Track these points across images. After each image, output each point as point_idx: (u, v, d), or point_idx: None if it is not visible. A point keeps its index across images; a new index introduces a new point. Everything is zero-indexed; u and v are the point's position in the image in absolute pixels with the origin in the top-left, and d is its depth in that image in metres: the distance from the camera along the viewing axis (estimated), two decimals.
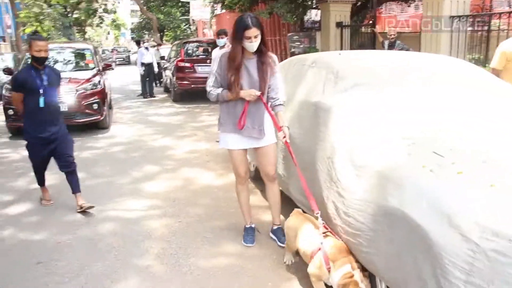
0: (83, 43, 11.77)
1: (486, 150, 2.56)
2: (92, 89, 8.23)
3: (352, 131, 2.98)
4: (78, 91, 7.98)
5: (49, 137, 4.34)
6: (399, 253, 2.36)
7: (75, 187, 4.50)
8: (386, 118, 2.97)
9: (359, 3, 13.43)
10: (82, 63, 9.41)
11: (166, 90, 14.89)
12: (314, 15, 14.82)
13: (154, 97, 14.06)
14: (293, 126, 3.62)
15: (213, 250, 3.63)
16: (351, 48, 11.34)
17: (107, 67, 10.06)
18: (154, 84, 15.19)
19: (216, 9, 23.12)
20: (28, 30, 18.01)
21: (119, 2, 43.90)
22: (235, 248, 3.64)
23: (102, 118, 8.34)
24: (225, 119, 3.49)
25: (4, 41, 24.96)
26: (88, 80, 8.38)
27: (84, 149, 7.09)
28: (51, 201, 4.68)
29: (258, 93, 3.31)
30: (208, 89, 3.49)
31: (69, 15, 37.40)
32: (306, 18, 15.07)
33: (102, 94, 8.45)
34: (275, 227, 3.73)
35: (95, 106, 8.15)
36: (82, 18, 38.45)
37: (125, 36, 59.97)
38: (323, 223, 2.88)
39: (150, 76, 14.25)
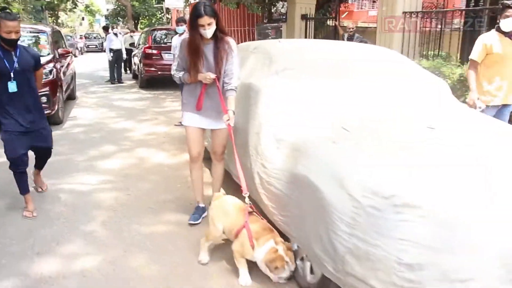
0: (40, 25, 10.18)
1: (388, 129, 2.94)
2: None
3: (277, 109, 3.31)
4: None
5: (25, 126, 3.89)
6: (304, 214, 2.72)
7: (39, 166, 4.44)
8: (308, 98, 3.32)
9: None
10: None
11: (135, 76, 15.01)
12: (281, 7, 15.10)
13: (122, 83, 14.17)
14: (235, 107, 3.92)
15: (155, 219, 3.94)
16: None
17: (66, 53, 9.40)
18: (123, 70, 15.28)
19: None
20: None
21: None
22: (175, 217, 3.96)
23: (52, 112, 7.30)
24: (187, 99, 3.73)
25: None
26: None
27: None
28: (34, 213, 4.00)
29: (213, 76, 3.51)
30: (172, 72, 3.77)
31: None
32: (274, 9, 15.34)
33: (53, 85, 7.43)
34: None
35: (44, 99, 6.82)
36: (55, 2, 37.85)
37: (100, 22, 59.12)
38: (249, 204, 3.11)
39: (118, 62, 14.33)
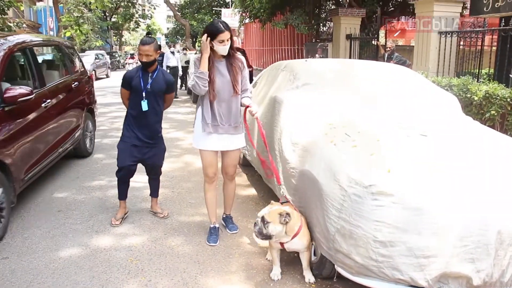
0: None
1: (383, 133, 3.45)
2: None
3: (294, 118, 3.91)
4: None
5: (144, 143, 4.22)
6: (310, 203, 3.28)
7: (153, 192, 4.63)
8: (321, 108, 3.90)
9: (374, 16, 14.24)
10: None
11: (189, 92, 16.02)
12: (328, 27, 15.67)
13: (177, 98, 15.20)
14: (264, 117, 4.54)
15: (193, 211, 4.64)
16: (360, 59, 12.15)
17: (18, 96, 4.20)
18: (178, 86, 16.36)
19: (245, 18, 24.14)
20: (68, 33, 19.52)
21: (155, 8, 46.10)
22: None
23: None
24: (201, 120, 3.79)
25: None
26: None
27: (105, 137, 8.25)
28: (117, 222, 4.29)
29: (205, 37, 3.54)
30: (189, 85, 4.13)
31: (107, 19, 39.54)
32: (324, 28, 15.92)
33: None
34: (224, 216, 4.32)
35: None
36: (120, 22, 40.45)
37: (160, 40, 62.05)
38: (284, 195, 3.58)
39: (175, 78, 15.39)
